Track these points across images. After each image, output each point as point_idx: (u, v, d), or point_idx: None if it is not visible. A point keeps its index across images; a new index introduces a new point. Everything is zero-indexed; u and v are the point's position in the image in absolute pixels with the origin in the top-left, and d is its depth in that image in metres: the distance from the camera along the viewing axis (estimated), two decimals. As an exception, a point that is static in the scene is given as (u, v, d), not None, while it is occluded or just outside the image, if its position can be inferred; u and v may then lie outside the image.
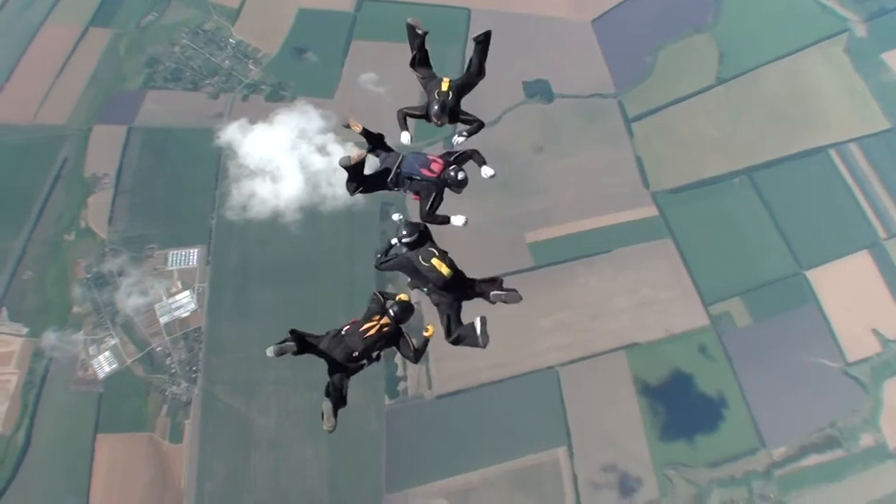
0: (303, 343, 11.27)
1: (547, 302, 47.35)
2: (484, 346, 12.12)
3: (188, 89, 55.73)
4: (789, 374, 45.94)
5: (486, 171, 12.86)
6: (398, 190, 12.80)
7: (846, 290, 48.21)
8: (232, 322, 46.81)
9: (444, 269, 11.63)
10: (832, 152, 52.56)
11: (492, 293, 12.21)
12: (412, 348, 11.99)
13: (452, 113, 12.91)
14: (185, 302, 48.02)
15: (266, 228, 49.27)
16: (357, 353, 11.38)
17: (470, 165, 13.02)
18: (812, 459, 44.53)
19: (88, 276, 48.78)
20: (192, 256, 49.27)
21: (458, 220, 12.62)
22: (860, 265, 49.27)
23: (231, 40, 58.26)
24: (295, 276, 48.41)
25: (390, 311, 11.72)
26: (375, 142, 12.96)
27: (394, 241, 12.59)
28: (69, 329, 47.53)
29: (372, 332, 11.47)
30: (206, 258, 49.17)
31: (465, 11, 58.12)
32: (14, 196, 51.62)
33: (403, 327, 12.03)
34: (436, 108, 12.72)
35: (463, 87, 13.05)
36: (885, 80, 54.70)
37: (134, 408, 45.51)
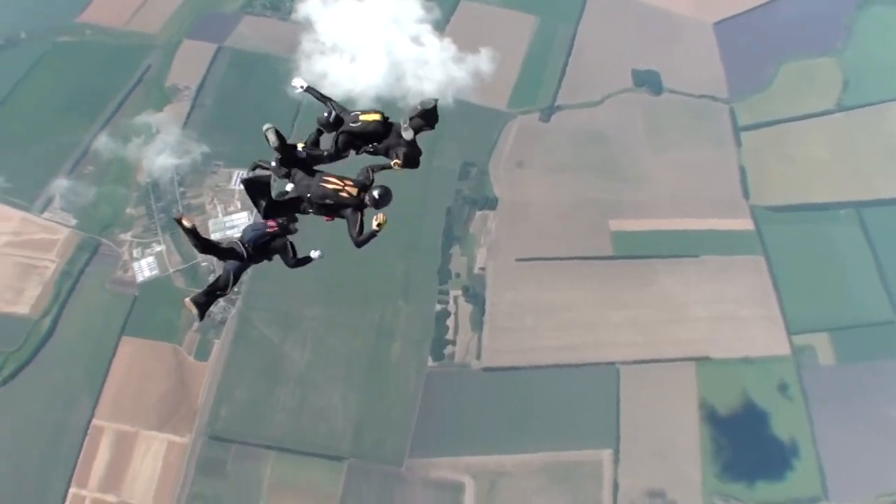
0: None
1: (621, 295, 44.25)
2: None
3: (284, 20, 54.73)
4: (867, 426, 41.84)
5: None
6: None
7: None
8: (285, 251, 44.16)
9: (374, 116, 10.98)
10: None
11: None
12: (359, 230, 10.57)
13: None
14: (240, 222, 45.87)
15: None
16: (309, 197, 10.47)
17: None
18: (876, 523, 40.00)
19: (149, 180, 47.13)
20: (257, 179, 47.04)
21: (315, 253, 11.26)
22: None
23: (336, -24, 56.93)
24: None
25: (373, 192, 10.46)
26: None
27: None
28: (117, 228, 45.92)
29: (331, 186, 10.41)
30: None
31: (584, -11, 56.94)
32: (92, 93, 50.84)
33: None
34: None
35: None
36: None
37: (166, 317, 43.32)
